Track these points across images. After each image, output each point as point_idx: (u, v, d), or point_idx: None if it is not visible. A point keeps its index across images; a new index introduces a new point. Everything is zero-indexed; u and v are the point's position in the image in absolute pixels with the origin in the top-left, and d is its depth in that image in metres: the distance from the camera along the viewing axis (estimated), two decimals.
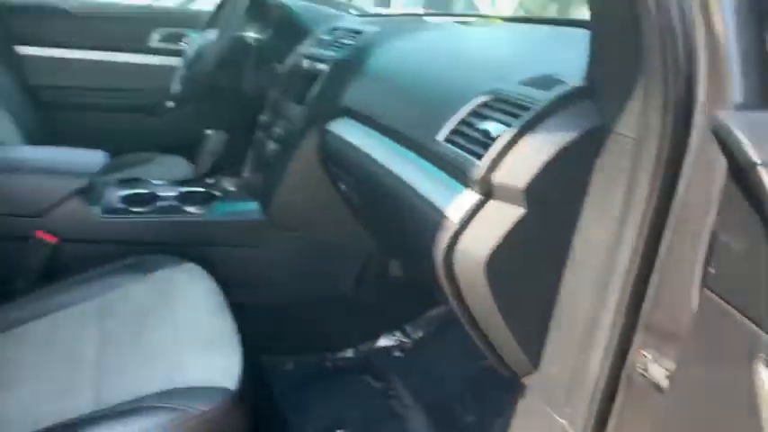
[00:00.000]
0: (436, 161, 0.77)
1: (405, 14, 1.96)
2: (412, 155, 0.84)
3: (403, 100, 0.92)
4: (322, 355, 1.45)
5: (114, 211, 1.20)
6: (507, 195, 0.64)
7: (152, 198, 1.25)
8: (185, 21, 2.05)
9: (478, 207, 0.66)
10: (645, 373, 0.62)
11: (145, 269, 1.11)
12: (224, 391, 0.79)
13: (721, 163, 0.48)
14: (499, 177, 0.64)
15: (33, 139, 1.65)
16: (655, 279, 0.59)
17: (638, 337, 0.64)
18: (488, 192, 0.65)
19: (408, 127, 0.86)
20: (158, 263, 1.14)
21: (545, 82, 0.69)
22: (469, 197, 0.67)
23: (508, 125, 0.66)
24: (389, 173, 0.86)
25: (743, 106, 0.48)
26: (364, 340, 1.50)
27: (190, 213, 1.24)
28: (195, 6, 2.37)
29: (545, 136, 0.63)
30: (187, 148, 1.98)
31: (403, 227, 0.88)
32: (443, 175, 0.74)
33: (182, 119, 2.07)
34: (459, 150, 0.71)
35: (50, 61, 1.99)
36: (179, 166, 1.86)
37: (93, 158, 1.21)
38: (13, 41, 1.94)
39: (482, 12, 2.66)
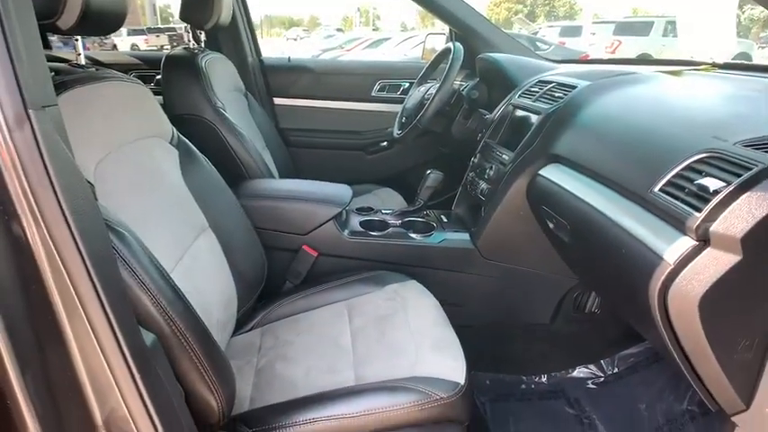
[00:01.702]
0: (650, 208, 0.88)
1: (607, 60, 2.03)
2: (624, 201, 0.95)
3: (617, 151, 1.04)
4: (518, 377, 1.58)
5: (357, 233, 1.50)
6: (723, 244, 0.73)
7: (383, 225, 1.53)
8: (403, 73, 2.39)
9: (695, 253, 0.76)
10: None
11: (380, 281, 1.38)
12: (456, 384, 0.99)
13: None
14: (717, 228, 0.73)
15: (282, 172, 2.09)
16: None
17: None
18: (705, 239, 0.75)
19: (622, 176, 0.98)
20: (390, 277, 1.40)
21: (763, 144, 0.77)
22: (685, 243, 0.77)
23: (727, 182, 0.75)
24: (603, 216, 0.98)
25: None
26: (558, 369, 1.59)
27: (412, 239, 1.49)
28: (411, 60, 2.72)
29: (763, 193, 0.71)
30: (395, 181, 2.30)
31: (612, 265, 0.99)
32: (658, 221, 0.85)
33: (393, 158, 2.41)
34: (675, 201, 0.81)
35: (296, 109, 2.47)
36: (391, 195, 2.17)
37: (344, 192, 1.53)
38: (271, 94, 2.46)
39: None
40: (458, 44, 1.75)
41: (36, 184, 0.56)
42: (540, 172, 1.28)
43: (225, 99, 1.76)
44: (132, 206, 0.97)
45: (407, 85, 2.37)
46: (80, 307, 0.59)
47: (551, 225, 1.25)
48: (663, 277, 0.79)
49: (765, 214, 0.69)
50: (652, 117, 1.07)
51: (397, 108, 2.19)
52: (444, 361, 1.05)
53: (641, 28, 10.81)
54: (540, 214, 1.30)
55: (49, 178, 0.57)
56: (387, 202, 2.12)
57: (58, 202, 0.57)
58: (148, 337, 0.72)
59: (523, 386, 1.58)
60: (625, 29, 10.86)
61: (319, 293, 1.38)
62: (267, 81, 2.43)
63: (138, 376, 0.61)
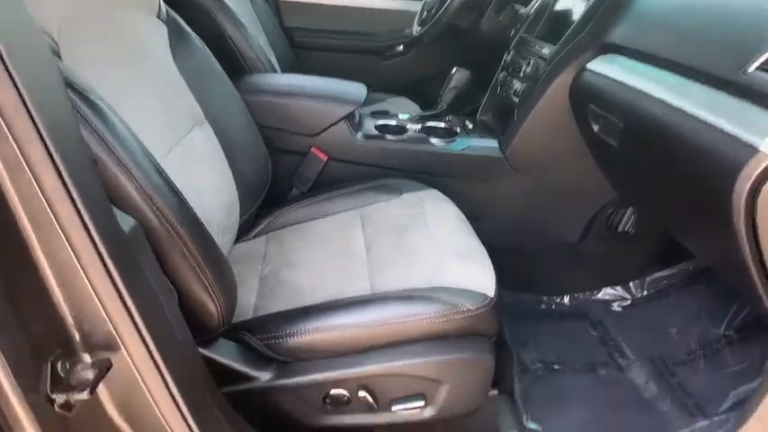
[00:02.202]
0: (742, 93, 0.72)
1: None
2: (705, 89, 0.79)
3: (695, 31, 0.87)
4: (538, 297, 1.48)
5: (371, 137, 1.34)
6: None
7: (401, 129, 1.37)
8: None
9: None
10: None
11: (396, 189, 1.24)
12: (484, 296, 0.87)
13: None
14: None
15: (286, 72, 1.89)
16: None
17: None
18: None
19: (703, 59, 0.81)
20: (407, 185, 1.26)
21: None
22: None
23: None
24: (672, 109, 0.82)
25: None
26: (582, 290, 1.49)
27: (433, 145, 1.34)
28: None
29: None
30: (412, 90, 2.11)
31: (677, 167, 0.85)
32: (752, 107, 0.69)
33: (410, 63, 2.20)
34: None
35: (303, 6, 2.23)
36: (407, 105, 1.99)
37: (358, 89, 1.36)
38: None
39: None
40: None
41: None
42: (589, 65, 1.10)
43: None
44: (109, 79, 0.82)
45: None
46: (29, 173, 0.45)
47: (596, 128, 1.09)
48: (757, 172, 0.64)
49: None
50: None
51: (417, 6, 1.96)
52: (470, 270, 0.93)
53: None
54: (584, 115, 1.13)
55: None
56: (402, 111, 1.94)
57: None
58: (126, 222, 0.59)
59: (543, 306, 1.48)
60: None
61: (329, 201, 1.25)
62: None
63: (111, 264, 0.49)
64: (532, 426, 1.14)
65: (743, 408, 0.78)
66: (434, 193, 1.23)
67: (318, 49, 2.22)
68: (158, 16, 1.07)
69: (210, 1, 1.46)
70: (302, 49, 2.20)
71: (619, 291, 1.47)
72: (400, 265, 0.97)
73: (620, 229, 1.41)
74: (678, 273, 1.46)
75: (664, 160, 0.88)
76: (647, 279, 1.47)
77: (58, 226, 0.47)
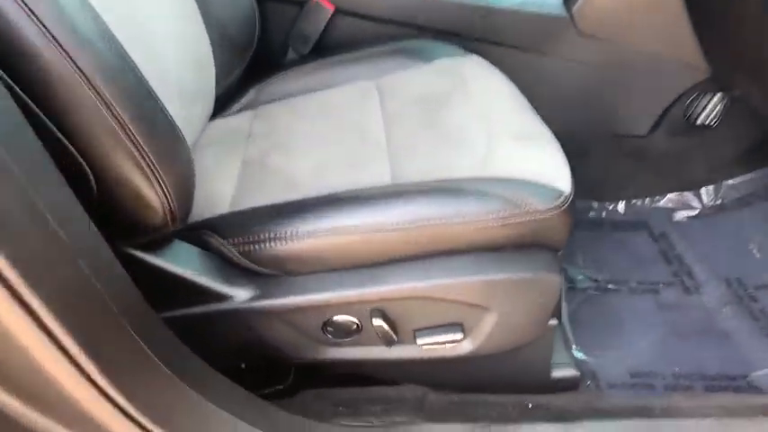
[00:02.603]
0: None
1: None
2: None
3: None
4: (587, 202, 1.22)
5: None
6: None
7: None
8: None
9: None
10: None
11: (425, 54, 0.94)
12: (558, 192, 0.61)
13: None
14: None
15: None
16: None
17: None
18: None
19: None
20: (439, 49, 0.95)
21: None
22: None
23: None
24: None
25: None
26: (641, 196, 1.22)
27: None
28: None
29: None
30: None
31: None
32: None
33: None
34: None
35: None
36: None
37: None
38: None
39: None
40: None
41: None
42: None
43: None
44: None
45: None
46: None
47: None
48: None
49: None
50: None
51: None
52: (536, 158, 0.66)
53: None
54: None
55: None
56: None
57: None
58: None
59: (593, 213, 1.23)
60: None
61: (335, 67, 0.95)
62: None
63: None
64: (580, 355, 0.93)
65: None
66: (476, 59, 0.92)
67: None
68: None
69: None
70: None
71: (687, 197, 1.21)
72: (434, 148, 0.70)
73: (699, 121, 1.12)
74: (762, 178, 1.19)
75: None
76: (724, 184, 1.20)
77: None
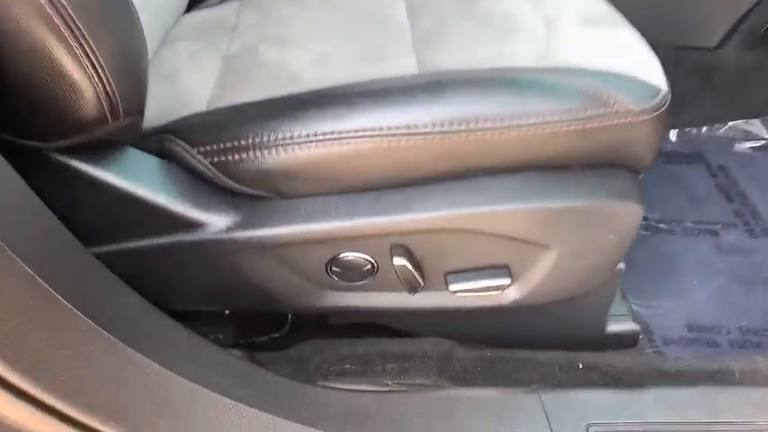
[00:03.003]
0: None
1: None
2: None
3: None
4: None
5: None
6: None
7: None
8: None
9: None
10: None
11: None
12: (655, 90, 0.44)
13: None
14: None
15: None
16: None
17: None
18: None
19: None
20: None
21: None
22: None
23: None
24: None
25: None
26: (699, 123, 1.05)
27: None
28: None
29: None
30: None
31: None
32: None
33: None
34: None
35: None
36: None
37: None
38: None
39: None
40: None
41: None
42: None
43: None
44: None
45: None
46: None
47: None
48: None
49: None
50: None
51: None
52: (613, 44, 0.48)
53: None
54: None
55: None
56: None
57: None
58: None
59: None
60: None
61: None
62: None
63: None
64: (632, 305, 0.79)
65: None
66: None
67: None
68: None
69: None
70: None
71: (754, 126, 1.04)
72: (474, 40, 0.52)
73: None
74: None
75: None
76: None
77: None
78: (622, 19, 0.55)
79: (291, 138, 0.42)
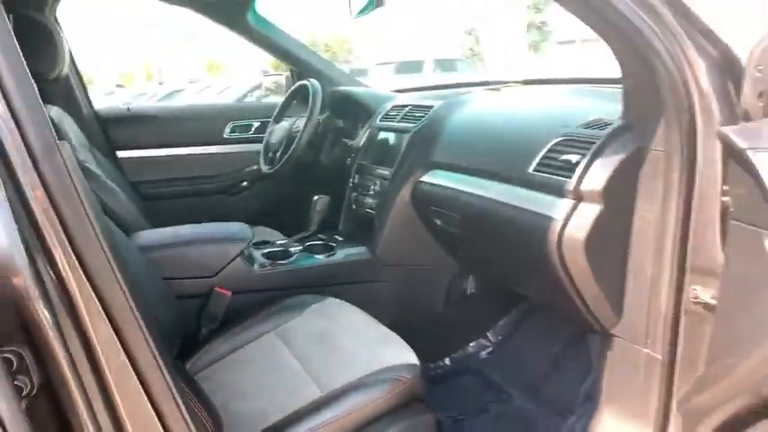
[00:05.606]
0: (530, 185, 1.15)
1: (434, 87, 2.40)
2: (505, 185, 1.22)
3: (489, 149, 1.32)
4: (426, 365, 1.77)
5: (264, 265, 1.55)
6: (591, 197, 1.02)
7: (286, 253, 1.61)
8: (254, 113, 2.47)
9: (574, 208, 1.03)
10: (697, 301, 0.97)
11: (300, 306, 1.44)
12: (416, 367, 1.13)
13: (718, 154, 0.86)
14: (585, 186, 1.02)
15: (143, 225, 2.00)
16: (690, 236, 0.95)
17: (688, 278, 0.98)
18: (579, 198, 1.03)
19: (499, 166, 1.25)
20: (308, 299, 1.47)
21: (598, 124, 1.09)
22: (567, 203, 1.05)
23: (582, 154, 1.04)
24: (492, 201, 1.23)
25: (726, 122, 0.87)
26: (455, 350, 1.82)
27: (319, 260, 1.60)
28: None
29: (609, 158, 1.01)
30: (265, 219, 2.35)
31: (506, 240, 1.25)
32: (539, 194, 1.12)
33: (256, 196, 2.45)
34: (549, 175, 1.09)
35: (143, 160, 2.37)
36: (268, 233, 2.21)
37: (243, 228, 1.57)
38: (112, 147, 2.32)
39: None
40: (314, 81, 1.93)
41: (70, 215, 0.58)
42: (422, 179, 1.51)
43: (83, 156, 1.67)
44: None
45: (258, 124, 2.45)
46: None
47: (439, 222, 1.48)
48: (557, 231, 1.05)
49: (613, 169, 1.00)
50: (505, 120, 1.37)
51: (251, 147, 2.27)
52: (396, 350, 1.18)
53: (414, 66, 12.84)
54: (427, 215, 1.52)
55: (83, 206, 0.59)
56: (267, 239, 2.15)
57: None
58: None
59: (431, 372, 1.78)
60: (401, 69, 12.51)
61: (243, 331, 1.35)
62: (107, 134, 2.30)
63: None
64: None
65: None
66: (332, 300, 1.47)
67: (167, 198, 2.36)
68: None
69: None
70: (151, 201, 2.31)
71: (481, 342, 1.84)
72: (337, 365, 1.17)
73: (467, 292, 1.81)
74: (516, 315, 1.89)
75: (496, 237, 1.28)
76: (498, 326, 1.87)
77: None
78: (393, 333, 1.27)
79: None
